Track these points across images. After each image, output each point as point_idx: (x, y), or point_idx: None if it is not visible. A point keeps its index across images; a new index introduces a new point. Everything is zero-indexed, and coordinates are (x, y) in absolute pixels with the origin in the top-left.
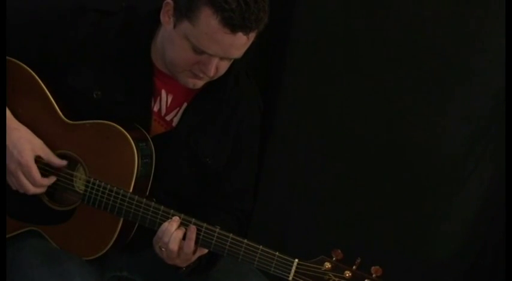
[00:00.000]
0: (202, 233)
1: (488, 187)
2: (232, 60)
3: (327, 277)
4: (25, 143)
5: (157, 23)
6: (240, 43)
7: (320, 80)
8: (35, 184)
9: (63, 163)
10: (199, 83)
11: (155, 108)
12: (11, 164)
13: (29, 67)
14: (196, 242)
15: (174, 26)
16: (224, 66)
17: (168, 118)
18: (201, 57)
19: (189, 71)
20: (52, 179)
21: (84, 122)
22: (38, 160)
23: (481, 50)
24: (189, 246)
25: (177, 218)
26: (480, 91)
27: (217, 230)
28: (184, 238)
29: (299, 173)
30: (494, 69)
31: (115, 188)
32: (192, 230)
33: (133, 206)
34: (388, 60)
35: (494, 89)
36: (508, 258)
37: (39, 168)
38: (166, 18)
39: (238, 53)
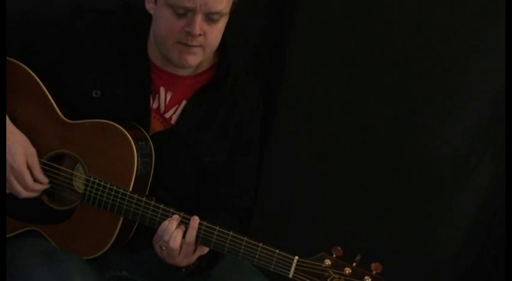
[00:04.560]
0: (202, 231)
1: (488, 187)
2: (218, 25)
3: (327, 274)
4: (18, 147)
5: (151, 20)
6: None
7: (320, 80)
8: (26, 188)
9: (45, 180)
10: (193, 59)
11: (154, 106)
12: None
13: (29, 67)
14: (196, 240)
15: (155, 3)
16: (212, 32)
17: (167, 115)
18: (184, 20)
19: (178, 44)
20: (44, 185)
21: (83, 121)
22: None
23: (481, 50)
24: (191, 236)
25: (177, 216)
26: (480, 91)
27: (217, 227)
28: (184, 236)
29: (299, 172)
30: (494, 69)
31: (115, 187)
32: (195, 220)
33: (133, 205)
34: (388, 61)
35: (494, 89)
36: (508, 258)
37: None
38: (150, 4)
39: (216, 4)
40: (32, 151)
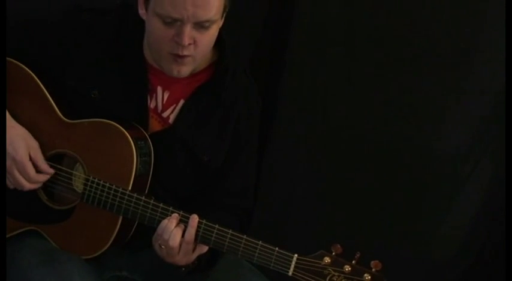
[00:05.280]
0: (201, 230)
1: (488, 187)
2: (210, 31)
3: (327, 271)
4: (21, 141)
5: None
6: (200, 0)
7: (320, 80)
8: (29, 180)
9: (51, 171)
10: (184, 69)
11: (151, 105)
12: (6, 161)
13: (28, 67)
14: (195, 239)
15: (146, 11)
16: (203, 39)
17: (164, 115)
18: (173, 30)
19: (170, 54)
20: (46, 175)
21: (82, 120)
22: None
23: (481, 50)
24: (190, 234)
25: (177, 215)
26: (480, 91)
27: (217, 226)
28: (183, 234)
29: (299, 171)
30: (494, 69)
31: (114, 186)
32: (194, 219)
33: (132, 204)
34: (388, 61)
35: (494, 89)
36: (508, 258)
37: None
38: (143, 10)
39: (204, 13)
40: (35, 143)
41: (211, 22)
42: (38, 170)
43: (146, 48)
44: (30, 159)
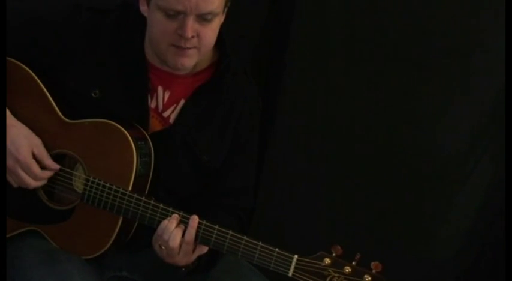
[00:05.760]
0: (201, 230)
1: (488, 187)
2: (212, 25)
3: (327, 272)
4: (22, 140)
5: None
6: None
7: (320, 80)
8: (35, 177)
9: (56, 166)
10: (188, 62)
11: (152, 105)
12: (9, 161)
13: (28, 67)
14: (195, 240)
15: (148, 6)
16: (206, 33)
17: (165, 115)
18: (176, 23)
19: (172, 47)
20: (52, 171)
21: (83, 121)
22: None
23: (481, 50)
24: (190, 235)
25: (177, 215)
26: (480, 91)
27: (217, 226)
28: (183, 235)
29: (299, 171)
30: (494, 69)
31: (114, 186)
32: (194, 219)
33: (132, 204)
34: (388, 61)
35: (494, 89)
36: (508, 258)
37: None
38: (144, 6)
39: (206, 5)
40: (37, 141)
41: (213, 15)
42: (43, 166)
43: (147, 47)
44: (34, 157)
